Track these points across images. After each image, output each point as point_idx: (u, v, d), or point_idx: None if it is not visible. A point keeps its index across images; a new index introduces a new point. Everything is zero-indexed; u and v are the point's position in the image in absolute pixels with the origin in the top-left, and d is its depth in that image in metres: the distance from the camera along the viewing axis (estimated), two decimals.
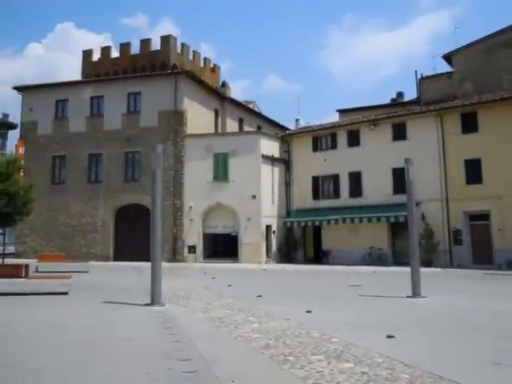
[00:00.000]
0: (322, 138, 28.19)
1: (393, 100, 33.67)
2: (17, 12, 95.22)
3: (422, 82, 28.04)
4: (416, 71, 30.18)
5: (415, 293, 10.15)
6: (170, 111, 27.27)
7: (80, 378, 4.19)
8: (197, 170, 26.62)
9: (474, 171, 22.68)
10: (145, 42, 34.55)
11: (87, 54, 36.20)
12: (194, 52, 36.45)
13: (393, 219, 23.93)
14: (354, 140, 26.74)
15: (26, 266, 14.40)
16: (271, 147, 28.02)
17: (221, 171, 26.79)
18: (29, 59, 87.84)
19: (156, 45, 34.11)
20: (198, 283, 13.89)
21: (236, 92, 57.44)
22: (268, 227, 26.93)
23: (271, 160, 27.70)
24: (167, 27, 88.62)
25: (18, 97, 30.66)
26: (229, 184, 26.49)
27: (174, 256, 26.14)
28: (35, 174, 26.36)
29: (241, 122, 33.08)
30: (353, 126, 27.19)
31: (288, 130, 33.54)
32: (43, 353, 5.17)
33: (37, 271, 15.45)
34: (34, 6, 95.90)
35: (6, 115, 46.72)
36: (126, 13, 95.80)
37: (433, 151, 23.88)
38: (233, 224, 26.67)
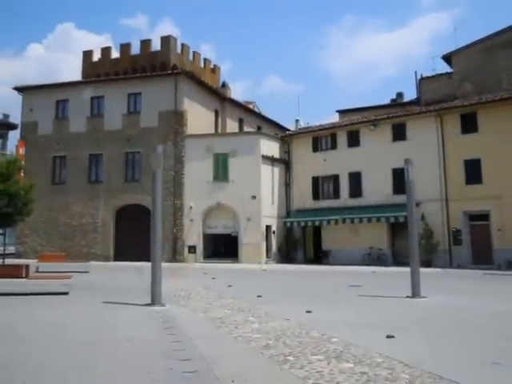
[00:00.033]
0: (321, 139, 28.21)
1: (392, 100, 33.69)
2: (17, 12, 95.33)
3: (422, 82, 28.04)
4: (416, 72, 30.21)
5: (415, 293, 10.16)
6: (170, 111, 27.29)
7: (80, 378, 4.20)
8: (197, 171, 26.64)
9: (473, 171, 22.70)
10: (145, 43, 34.59)
11: (87, 54, 36.24)
12: (194, 52, 36.47)
13: (393, 219, 23.95)
14: (353, 140, 26.76)
15: (27, 266, 14.36)
16: (271, 147, 28.04)
17: (221, 171, 26.81)
18: (29, 60, 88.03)
19: (156, 45, 34.23)
20: (198, 283, 13.89)
21: (236, 92, 57.54)
22: (268, 227, 26.95)
23: (271, 160, 27.71)
24: (167, 28, 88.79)
25: (18, 97, 30.71)
26: (229, 184, 26.51)
27: (174, 256, 26.16)
28: (35, 175, 26.38)
29: (241, 122, 33.09)
30: (353, 126, 27.20)
31: (288, 130, 33.53)
32: (43, 353, 5.17)
33: (37, 271, 15.42)
34: (34, 6, 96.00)
35: (6, 116, 46.65)
36: (126, 13, 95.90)
37: (432, 151, 23.89)
38: (233, 224, 26.69)
